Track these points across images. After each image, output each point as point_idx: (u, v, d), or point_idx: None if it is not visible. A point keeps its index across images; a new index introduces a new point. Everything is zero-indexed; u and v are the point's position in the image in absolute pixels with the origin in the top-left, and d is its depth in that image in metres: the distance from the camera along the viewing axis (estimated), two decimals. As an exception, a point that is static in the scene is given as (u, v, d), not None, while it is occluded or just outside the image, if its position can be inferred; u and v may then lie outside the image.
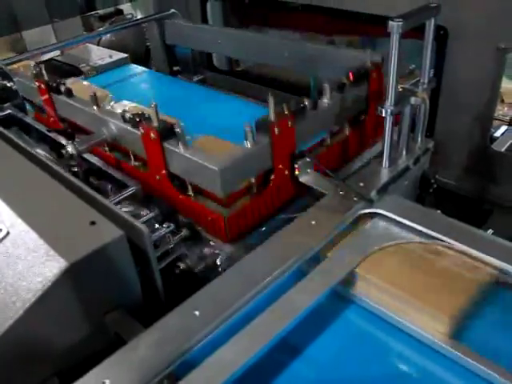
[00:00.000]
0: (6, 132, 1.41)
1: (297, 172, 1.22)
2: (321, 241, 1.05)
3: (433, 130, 1.64)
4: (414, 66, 1.64)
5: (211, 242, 1.19)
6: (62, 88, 1.48)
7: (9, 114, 1.76)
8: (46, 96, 1.53)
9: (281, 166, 1.19)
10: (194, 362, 0.83)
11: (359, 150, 1.43)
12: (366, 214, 1.14)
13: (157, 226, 1.19)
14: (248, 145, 1.11)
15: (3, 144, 1.32)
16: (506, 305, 0.96)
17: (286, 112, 1.15)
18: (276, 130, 1.12)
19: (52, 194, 1.06)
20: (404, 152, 1.30)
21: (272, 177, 1.19)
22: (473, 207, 1.69)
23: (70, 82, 1.62)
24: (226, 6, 2.48)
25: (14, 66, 1.89)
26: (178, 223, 1.19)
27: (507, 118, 2.06)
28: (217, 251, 1.17)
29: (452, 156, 1.67)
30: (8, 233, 0.96)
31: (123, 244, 0.93)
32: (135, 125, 1.20)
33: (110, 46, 2.56)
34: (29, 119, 1.75)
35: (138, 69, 2.25)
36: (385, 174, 1.24)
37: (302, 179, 1.23)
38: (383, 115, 1.18)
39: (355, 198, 1.15)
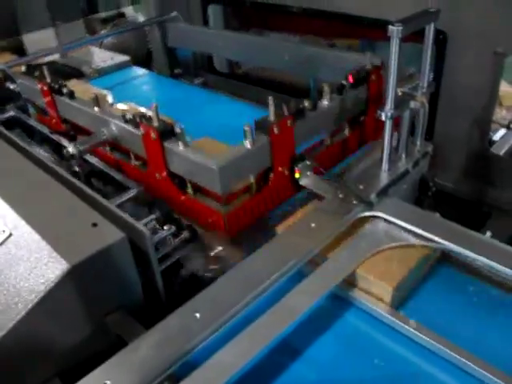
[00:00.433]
0: (8, 134, 1.42)
1: (297, 175, 1.23)
2: (320, 243, 1.06)
3: (432, 133, 1.65)
4: (413, 69, 1.65)
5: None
6: (65, 90, 1.49)
7: (12, 115, 1.78)
8: (49, 98, 1.54)
9: (280, 165, 1.19)
10: (194, 364, 0.83)
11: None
12: (365, 216, 1.15)
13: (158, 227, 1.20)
14: (247, 144, 1.12)
15: (6, 146, 1.33)
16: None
17: (286, 112, 1.16)
18: (275, 129, 1.13)
19: (54, 195, 1.07)
20: (403, 155, 1.31)
21: (271, 176, 1.19)
22: (471, 210, 1.69)
23: (72, 84, 1.62)
24: (227, 10, 2.49)
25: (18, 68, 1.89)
26: (179, 225, 1.20)
27: (506, 121, 2.06)
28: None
29: (451, 159, 1.68)
30: (11, 234, 0.97)
31: (125, 246, 0.94)
32: (136, 125, 1.21)
33: (112, 48, 2.57)
34: (31, 121, 1.76)
35: (139, 71, 2.26)
36: (384, 177, 1.25)
37: (302, 182, 1.24)
38: (383, 119, 1.19)
39: (355, 201, 1.16)
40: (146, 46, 2.63)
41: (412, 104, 1.23)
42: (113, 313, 0.96)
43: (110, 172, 1.38)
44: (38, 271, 0.88)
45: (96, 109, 1.37)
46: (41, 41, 2.39)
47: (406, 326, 0.93)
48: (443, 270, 1.08)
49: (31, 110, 1.80)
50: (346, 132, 1.39)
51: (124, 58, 2.32)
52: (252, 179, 1.19)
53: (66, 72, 2.12)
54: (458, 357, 0.86)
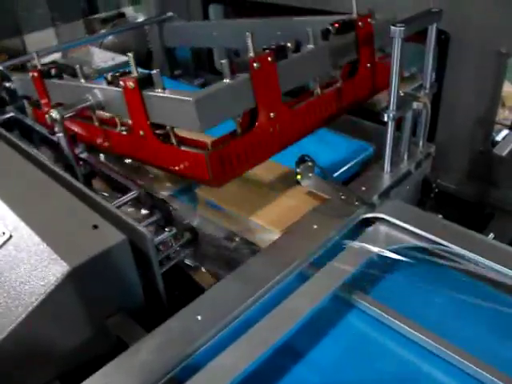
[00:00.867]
0: (8, 135, 1.41)
1: (299, 177, 1.23)
2: (322, 245, 1.06)
3: (434, 134, 1.65)
4: (414, 69, 1.64)
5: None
6: (53, 71, 1.48)
7: (11, 116, 1.77)
8: (40, 84, 1.52)
9: (265, 107, 1.13)
10: (196, 367, 0.83)
11: (354, 102, 1.38)
12: (367, 218, 1.14)
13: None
14: (226, 79, 1.07)
15: (6, 147, 1.32)
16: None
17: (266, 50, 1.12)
18: (255, 64, 1.08)
19: (55, 197, 1.07)
20: (405, 157, 1.31)
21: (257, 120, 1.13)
22: (474, 211, 1.69)
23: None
24: (228, 9, 2.48)
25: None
26: (180, 227, 1.20)
27: (508, 121, 2.06)
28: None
29: (453, 160, 1.67)
30: (11, 236, 0.97)
31: (126, 248, 0.93)
32: (117, 84, 1.18)
33: (112, 48, 2.56)
34: (31, 121, 1.75)
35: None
36: (386, 179, 1.25)
37: (304, 184, 1.23)
38: (385, 120, 1.18)
39: (357, 203, 1.15)
40: (146, 47, 2.62)
41: (414, 105, 1.22)
42: (113, 315, 0.95)
43: (110, 173, 1.38)
44: (39, 273, 0.87)
45: (82, 80, 1.37)
46: (41, 41, 2.38)
47: (409, 329, 0.92)
48: (447, 272, 1.07)
49: (28, 111, 1.78)
50: (338, 82, 1.33)
51: (125, 58, 2.31)
52: (236, 121, 1.13)
53: (65, 72, 2.11)
54: (462, 360, 0.85)
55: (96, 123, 1.41)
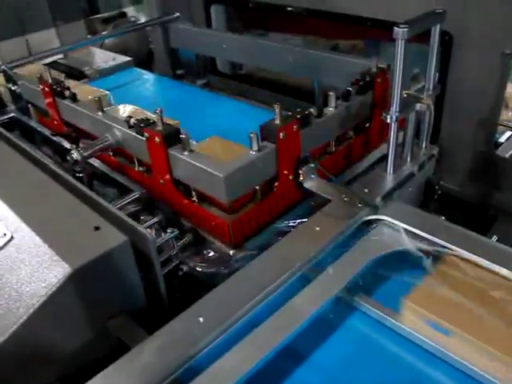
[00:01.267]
0: (9, 135, 1.41)
1: (301, 178, 1.22)
2: (325, 247, 1.05)
3: (437, 135, 1.64)
4: (417, 70, 1.64)
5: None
6: (67, 93, 1.48)
7: (12, 116, 1.77)
8: (51, 99, 1.53)
9: (285, 171, 1.18)
10: (198, 369, 0.82)
11: (363, 156, 1.42)
12: (370, 220, 1.14)
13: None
14: (253, 151, 1.11)
15: (7, 147, 1.32)
16: None
17: (292, 117, 1.15)
18: (281, 134, 1.12)
19: (56, 198, 1.06)
20: (409, 158, 1.30)
21: (276, 183, 1.18)
22: (477, 213, 1.68)
23: (72, 86, 1.61)
24: (230, 10, 2.48)
25: (20, 71, 1.88)
26: (181, 228, 1.19)
27: (512, 123, 2.05)
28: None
29: (456, 162, 1.67)
30: (12, 237, 0.96)
31: (127, 249, 0.93)
32: (140, 131, 1.20)
33: (113, 49, 2.56)
34: (32, 122, 1.75)
35: (141, 72, 2.25)
36: (389, 181, 1.24)
37: (307, 185, 1.23)
38: (388, 121, 1.18)
39: (360, 205, 1.15)
40: (147, 47, 2.62)
41: (418, 106, 1.21)
42: (115, 317, 0.95)
43: (112, 174, 1.37)
44: (40, 275, 0.87)
45: (99, 113, 1.36)
46: (42, 41, 2.38)
47: (413, 331, 0.92)
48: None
49: (33, 114, 1.78)
50: (351, 137, 1.37)
51: (126, 58, 2.30)
52: (257, 187, 1.17)
53: (67, 73, 2.11)
54: (466, 363, 0.85)
55: (111, 155, 1.41)
